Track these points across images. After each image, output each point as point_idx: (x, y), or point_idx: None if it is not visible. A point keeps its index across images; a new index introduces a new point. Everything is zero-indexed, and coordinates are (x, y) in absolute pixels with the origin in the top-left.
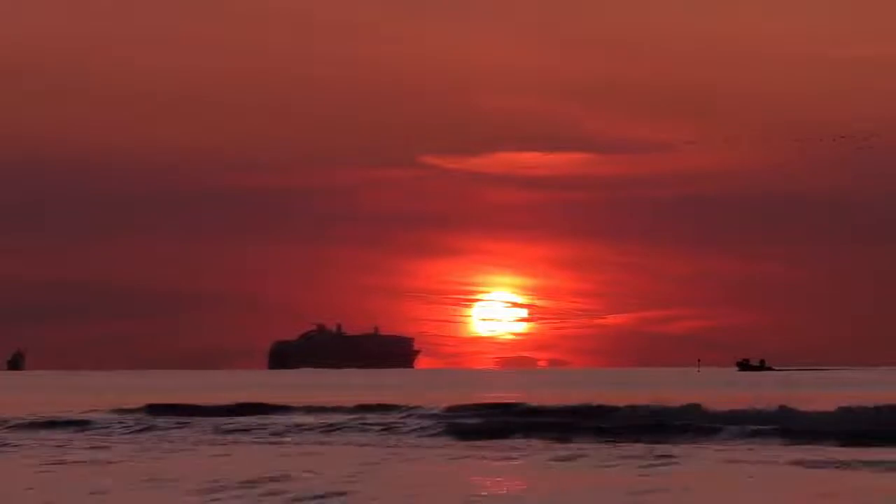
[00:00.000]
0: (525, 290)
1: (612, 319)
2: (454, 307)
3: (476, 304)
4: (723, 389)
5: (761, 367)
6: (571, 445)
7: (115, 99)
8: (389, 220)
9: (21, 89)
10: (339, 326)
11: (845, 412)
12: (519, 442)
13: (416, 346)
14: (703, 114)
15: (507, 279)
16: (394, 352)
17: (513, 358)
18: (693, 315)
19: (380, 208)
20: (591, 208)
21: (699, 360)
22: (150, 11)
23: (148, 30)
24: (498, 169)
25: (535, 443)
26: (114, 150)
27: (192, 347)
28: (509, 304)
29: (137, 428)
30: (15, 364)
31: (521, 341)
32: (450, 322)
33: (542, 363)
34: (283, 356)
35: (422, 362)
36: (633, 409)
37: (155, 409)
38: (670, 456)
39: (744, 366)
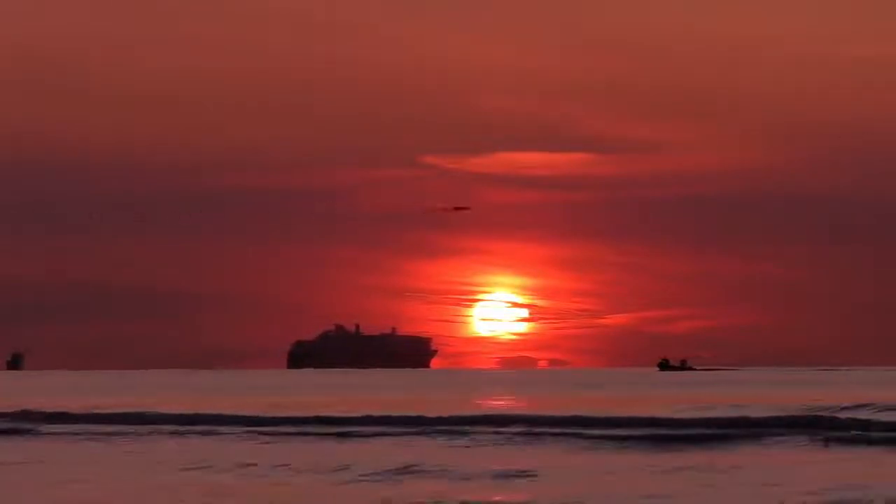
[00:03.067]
0: (525, 290)
1: (612, 319)
2: (454, 307)
3: (477, 305)
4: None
5: (682, 367)
6: None
7: (115, 99)
8: (389, 220)
9: (21, 89)
10: (357, 327)
11: None
12: None
13: (433, 347)
14: (703, 114)
15: (508, 279)
16: (411, 352)
17: (513, 358)
18: (693, 315)
19: (379, 208)
20: (591, 208)
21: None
22: (149, 11)
23: (147, 30)
24: (498, 169)
25: None
26: (114, 150)
27: (195, 348)
28: (510, 305)
29: None
30: (14, 364)
31: (522, 341)
32: (450, 322)
33: (542, 363)
34: (302, 356)
35: (433, 363)
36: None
37: None
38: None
39: (664, 366)
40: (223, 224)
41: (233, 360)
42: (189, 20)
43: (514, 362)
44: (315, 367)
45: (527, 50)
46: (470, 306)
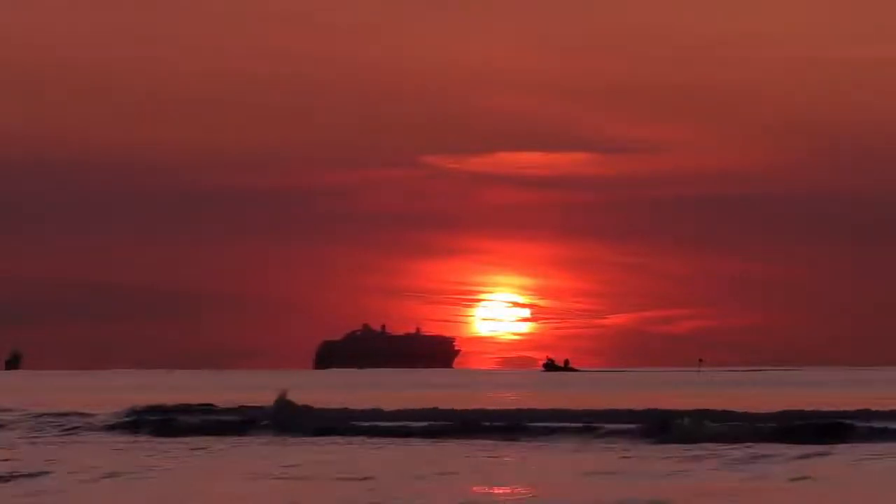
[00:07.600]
0: (527, 290)
1: (612, 319)
2: (455, 307)
3: (478, 305)
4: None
5: (566, 367)
6: None
7: (115, 99)
8: (389, 220)
9: (20, 89)
10: (383, 327)
11: None
12: None
13: (456, 346)
14: (703, 114)
15: (509, 279)
16: (436, 351)
17: (514, 358)
18: (693, 315)
19: (379, 208)
20: (591, 208)
21: (700, 360)
22: (150, 12)
23: (148, 30)
24: (498, 169)
25: None
26: (114, 150)
27: (192, 348)
28: (511, 305)
29: None
30: (13, 364)
31: (523, 341)
32: (451, 322)
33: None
34: (329, 356)
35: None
36: None
37: None
38: None
39: (550, 366)
40: (221, 225)
41: (260, 360)
42: (189, 21)
43: (514, 362)
44: (342, 366)
45: (527, 50)
46: (471, 306)
